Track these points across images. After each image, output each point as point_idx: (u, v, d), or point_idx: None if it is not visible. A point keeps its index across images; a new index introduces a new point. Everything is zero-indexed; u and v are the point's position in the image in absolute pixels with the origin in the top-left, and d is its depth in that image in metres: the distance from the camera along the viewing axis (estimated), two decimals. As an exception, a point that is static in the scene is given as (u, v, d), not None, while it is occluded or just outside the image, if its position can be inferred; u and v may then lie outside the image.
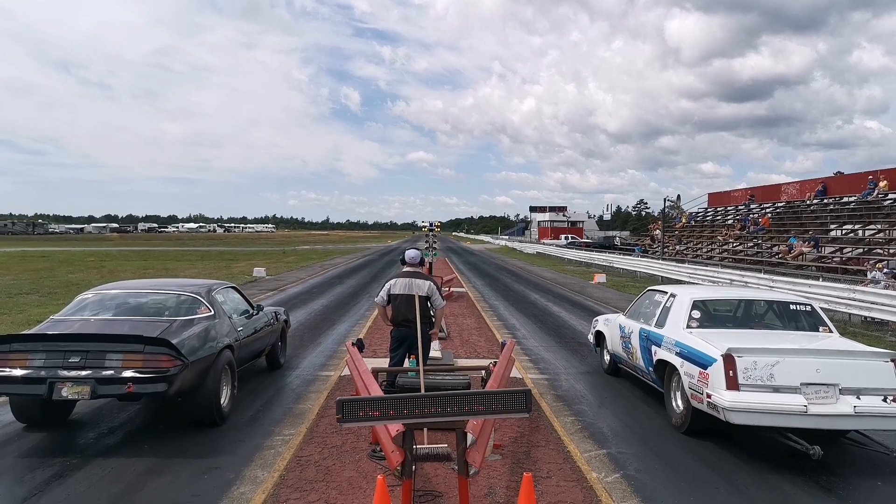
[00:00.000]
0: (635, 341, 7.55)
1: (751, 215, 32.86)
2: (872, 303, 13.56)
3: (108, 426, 6.22)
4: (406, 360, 6.94)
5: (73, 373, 5.40)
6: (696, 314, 6.67)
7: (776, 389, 5.36)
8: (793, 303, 7.03)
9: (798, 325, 6.70)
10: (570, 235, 69.09)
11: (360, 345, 6.97)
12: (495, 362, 6.43)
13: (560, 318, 14.53)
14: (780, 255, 24.86)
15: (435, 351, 8.87)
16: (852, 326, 13.97)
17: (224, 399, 6.36)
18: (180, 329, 6.13)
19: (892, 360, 5.52)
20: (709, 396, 5.57)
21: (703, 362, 5.79)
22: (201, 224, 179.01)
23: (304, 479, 4.98)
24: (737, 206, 36.47)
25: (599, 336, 9.10)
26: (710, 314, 6.89)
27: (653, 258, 30.99)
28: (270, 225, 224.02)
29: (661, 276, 25.60)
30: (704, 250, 33.02)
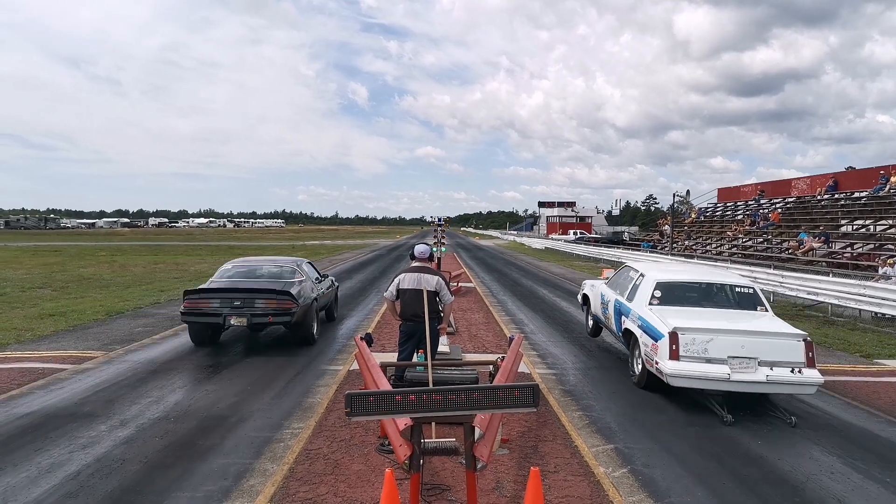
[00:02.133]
0: (611, 309, 9.00)
1: (761, 210, 32.63)
2: (883, 299, 13.43)
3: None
4: (415, 354, 6.96)
5: (237, 311, 9.04)
6: (658, 294, 7.82)
7: (708, 360, 6.56)
8: (738, 286, 8.07)
9: (741, 305, 7.73)
10: (578, 231, 68.87)
11: (368, 339, 7.00)
12: (503, 357, 6.44)
13: (569, 313, 14.49)
14: (789, 251, 24.67)
15: (443, 346, 8.88)
16: (863, 322, 13.87)
17: (315, 330, 10.13)
18: (293, 285, 9.75)
19: (804, 340, 6.59)
20: (657, 363, 6.84)
21: (655, 336, 7.01)
22: (211, 219, 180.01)
23: (312, 471, 5.02)
24: (746, 202, 36.20)
25: (585, 298, 10.94)
26: (671, 294, 7.87)
27: (661, 253, 30.84)
28: (280, 220, 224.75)
29: (670, 272, 25.43)
30: (714, 246, 32.82)
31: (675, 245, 34.64)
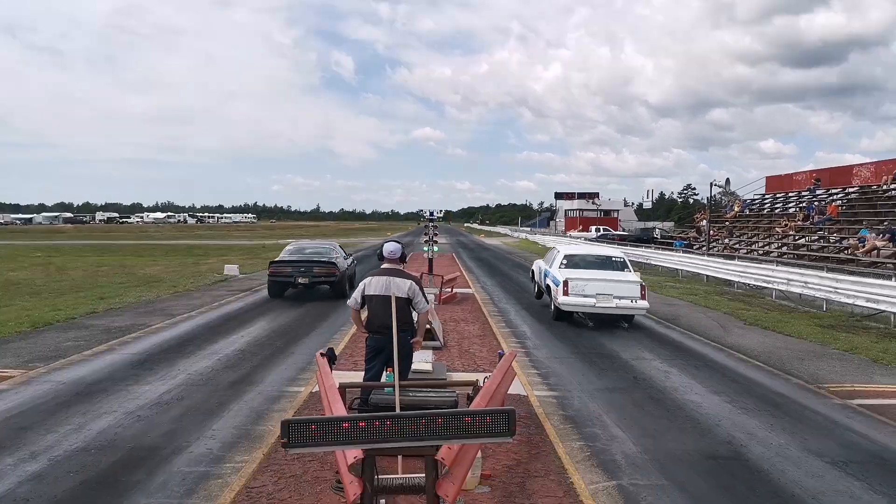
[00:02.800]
0: (543, 273, 16.66)
1: (815, 203, 32.56)
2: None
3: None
4: (384, 373, 6.91)
5: (302, 274, 17.43)
6: (565, 261, 15.10)
7: (585, 296, 13.37)
8: (615, 257, 15.98)
9: (615, 268, 14.91)
10: (602, 227, 68.82)
11: (330, 355, 6.92)
12: (489, 376, 6.38)
13: (581, 324, 14.44)
14: (849, 251, 24.61)
15: (425, 363, 8.83)
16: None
17: (347, 290, 17.03)
18: (335, 259, 18.47)
19: (639, 284, 13.51)
20: (557, 299, 13.88)
21: (556, 283, 14.06)
22: (170, 213, 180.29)
23: (252, 513, 4.98)
24: (799, 192, 36.15)
25: (532, 272, 19.37)
26: (573, 261, 15.20)
27: (697, 253, 30.76)
28: (251, 215, 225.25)
29: (707, 276, 25.45)
30: (760, 244, 32.75)
31: (713, 244, 34.52)
